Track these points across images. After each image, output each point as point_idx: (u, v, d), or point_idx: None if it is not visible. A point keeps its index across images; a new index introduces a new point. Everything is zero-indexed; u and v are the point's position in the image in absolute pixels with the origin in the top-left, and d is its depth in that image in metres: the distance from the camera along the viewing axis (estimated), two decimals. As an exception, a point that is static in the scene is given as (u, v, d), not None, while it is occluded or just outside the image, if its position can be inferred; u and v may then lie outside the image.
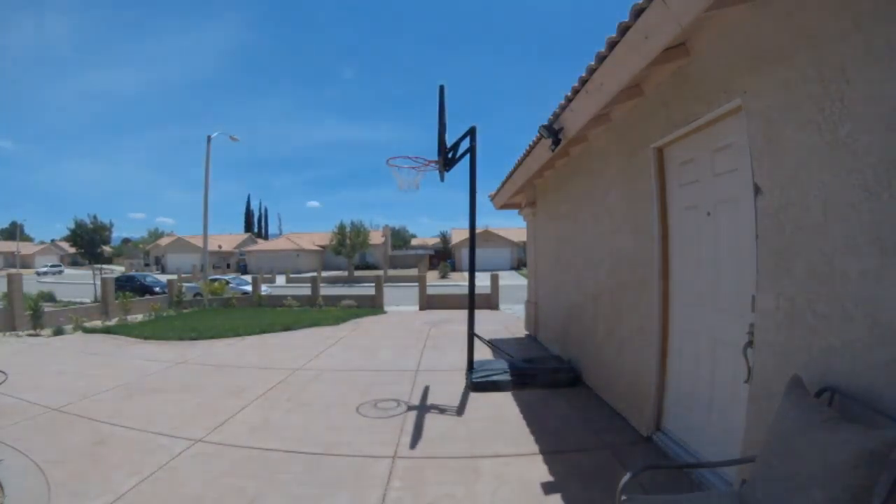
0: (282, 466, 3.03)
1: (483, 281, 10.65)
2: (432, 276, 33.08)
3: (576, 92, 3.60)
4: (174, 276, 19.72)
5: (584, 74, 3.33)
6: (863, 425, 1.42)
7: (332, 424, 3.81)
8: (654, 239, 3.28)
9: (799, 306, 1.91)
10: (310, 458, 3.15)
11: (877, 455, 1.29)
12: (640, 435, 3.42)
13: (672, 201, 3.22)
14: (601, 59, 3.00)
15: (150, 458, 3.12)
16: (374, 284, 13.54)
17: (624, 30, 2.64)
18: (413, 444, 3.38)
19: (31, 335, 8.66)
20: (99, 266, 26.52)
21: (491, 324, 9.32)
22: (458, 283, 28.10)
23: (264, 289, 16.69)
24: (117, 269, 43.11)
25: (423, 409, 4.18)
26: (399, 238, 61.38)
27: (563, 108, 3.96)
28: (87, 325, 9.48)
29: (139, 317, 11.43)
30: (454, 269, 42.85)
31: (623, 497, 1.73)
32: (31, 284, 18.94)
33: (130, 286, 19.16)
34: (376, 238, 46.36)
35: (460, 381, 4.98)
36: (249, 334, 8.28)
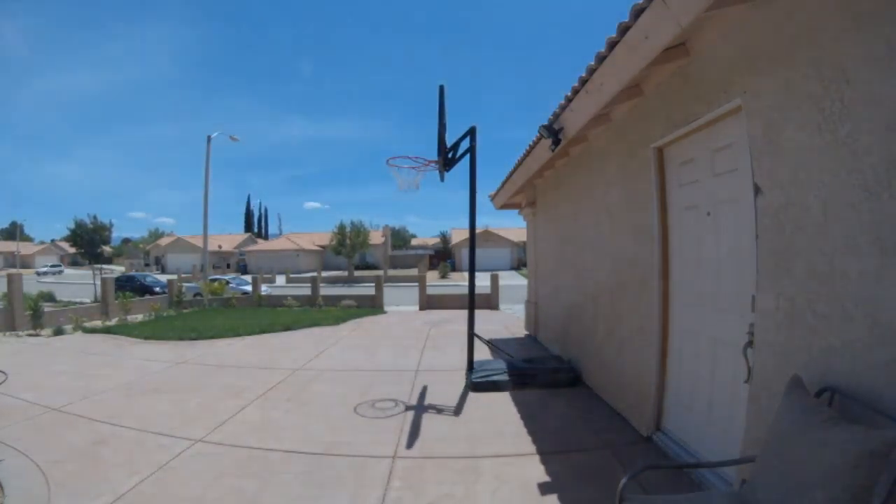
0: (282, 466, 3.03)
1: (483, 281, 10.64)
2: (432, 276, 33.08)
3: (576, 92, 3.60)
4: (174, 276, 19.71)
5: (584, 74, 3.33)
6: (863, 425, 1.41)
7: (332, 424, 3.81)
8: (654, 239, 3.28)
9: (799, 306, 1.91)
10: (310, 458, 3.15)
11: (877, 455, 1.29)
12: (640, 435, 3.42)
13: (672, 201, 3.22)
14: (601, 59, 3.00)
15: (150, 458, 3.12)
16: (374, 284, 13.55)
17: (624, 30, 2.64)
18: (413, 444, 3.38)
19: (31, 335, 8.66)
20: (99, 266, 26.55)
21: (491, 324, 9.32)
22: (458, 283, 28.10)
23: (264, 289, 16.69)
24: (117, 269, 43.12)
25: (423, 409, 4.18)
26: (399, 238, 61.41)
27: (563, 108, 3.96)
28: (87, 325, 9.49)
29: (139, 317, 11.44)
30: (454, 269, 42.85)
31: (623, 497, 1.73)
32: (31, 284, 18.95)
33: (130, 286, 19.17)
34: (376, 238, 46.39)
35: (460, 382, 4.98)
36: (249, 334, 8.28)
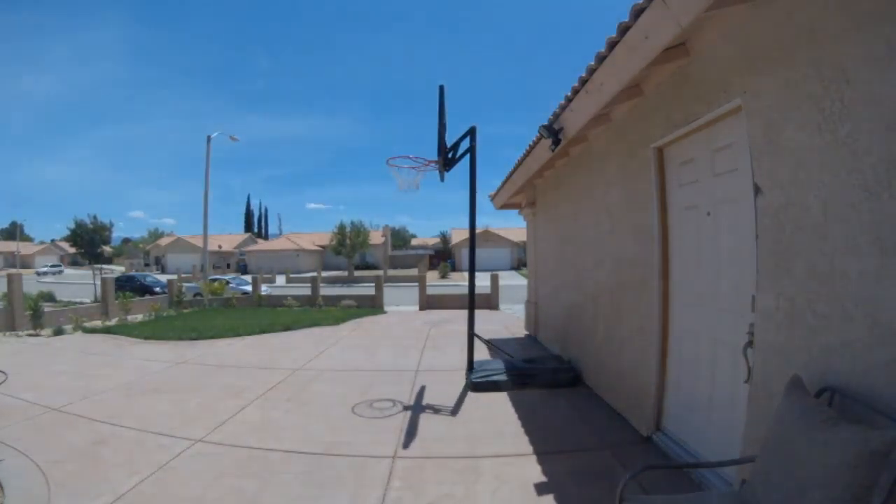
0: (282, 466, 3.03)
1: (483, 281, 10.64)
2: (432, 276, 33.08)
3: (576, 92, 3.60)
4: (174, 276, 19.74)
5: (584, 74, 3.33)
6: (863, 425, 1.41)
7: (331, 424, 3.81)
8: (654, 239, 3.28)
9: (799, 306, 1.91)
10: (310, 458, 3.15)
11: (877, 455, 1.29)
12: (640, 435, 3.42)
13: (672, 201, 3.22)
14: (601, 59, 3.00)
15: (150, 458, 3.12)
16: (373, 284, 13.55)
17: (624, 30, 2.64)
18: (413, 444, 3.38)
19: (31, 335, 8.66)
20: (99, 266, 26.57)
21: (491, 324, 9.32)
22: (458, 283, 28.10)
23: (264, 289, 16.70)
24: (117, 269, 43.12)
25: (422, 409, 4.18)
26: (399, 238, 61.42)
27: (563, 108, 3.96)
28: (87, 325, 9.48)
29: (139, 317, 11.44)
30: (454, 269, 42.86)
31: (623, 497, 1.73)
32: (31, 284, 18.95)
33: (130, 286, 19.16)
34: (376, 238, 46.40)
35: (460, 381, 4.98)
36: (249, 334, 8.28)
